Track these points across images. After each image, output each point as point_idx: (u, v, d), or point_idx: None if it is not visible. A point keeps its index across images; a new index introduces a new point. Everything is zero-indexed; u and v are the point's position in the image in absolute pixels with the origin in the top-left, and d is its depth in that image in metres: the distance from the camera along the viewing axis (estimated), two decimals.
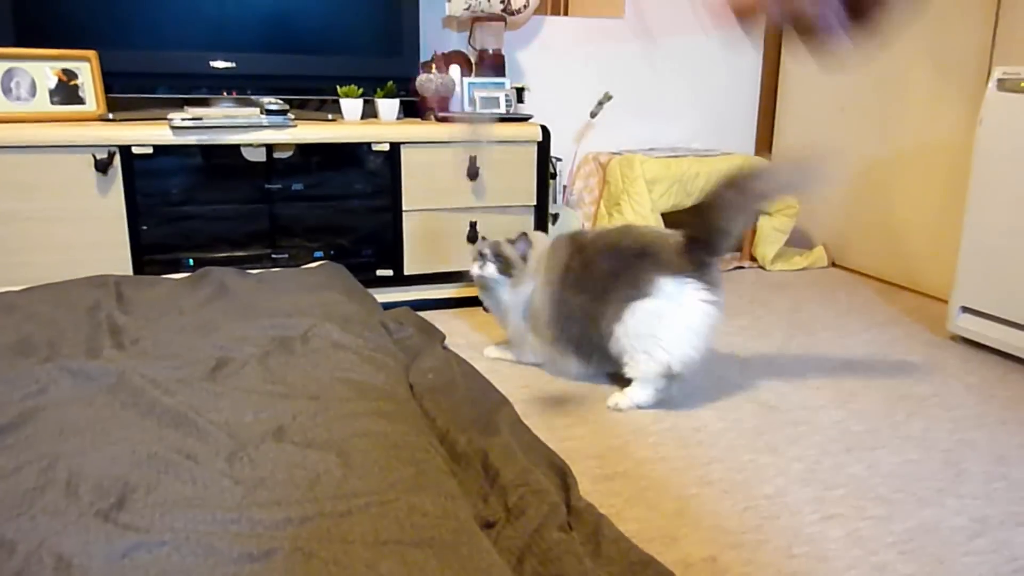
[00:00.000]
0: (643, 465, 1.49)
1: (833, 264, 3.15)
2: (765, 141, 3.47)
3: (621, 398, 1.74)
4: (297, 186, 2.30)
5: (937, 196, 2.68)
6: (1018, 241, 2.01)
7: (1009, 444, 1.60)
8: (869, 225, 2.98)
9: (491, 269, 1.85)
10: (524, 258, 1.86)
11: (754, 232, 3.07)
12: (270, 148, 2.24)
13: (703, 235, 1.60)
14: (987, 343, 2.13)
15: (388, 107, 2.41)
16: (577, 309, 1.73)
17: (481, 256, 1.87)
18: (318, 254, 2.34)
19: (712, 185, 1.57)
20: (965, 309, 2.18)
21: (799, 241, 3.27)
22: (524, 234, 1.88)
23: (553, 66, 3.06)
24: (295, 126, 2.21)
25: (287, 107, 2.23)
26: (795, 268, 3.06)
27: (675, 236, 1.66)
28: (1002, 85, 2.04)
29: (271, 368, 1.41)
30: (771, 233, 3.01)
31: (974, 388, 1.90)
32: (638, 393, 1.73)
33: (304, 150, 2.28)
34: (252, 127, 2.16)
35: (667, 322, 1.63)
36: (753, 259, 3.11)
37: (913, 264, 2.80)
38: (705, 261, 1.62)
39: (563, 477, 1.40)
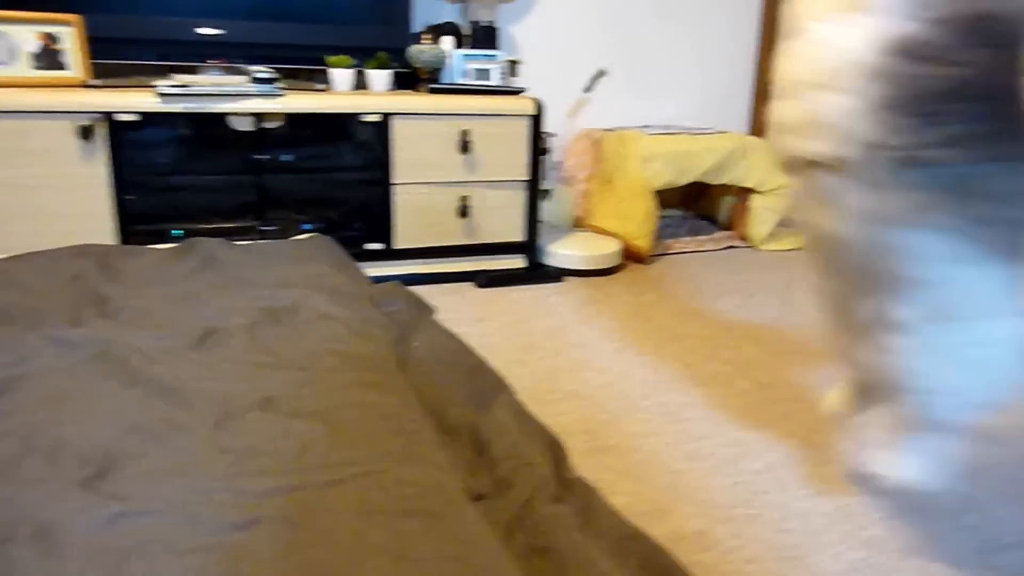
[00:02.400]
0: (634, 440, 1.49)
1: None
2: (759, 120, 3.45)
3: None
4: (286, 157, 2.27)
5: None
6: None
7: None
8: None
9: None
10: None
11: (746, 211, 3.05)
12: (259, 117, 2.20)
13: None
14: None
15: (380, 78, 2.37)
16: None
17: None
18: (307, 227, 2.31)
19: None
20: None
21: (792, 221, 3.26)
22: None
23: (547, 41, 3.02)
24: (284, 95, 2.17)
25: (276, 75, 2.19)
26: (787, 248, 3.05)
27: None
28: None
29: (258, 339, 1.39)
30: (763, 213, 3.00)
31: None
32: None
33: (293, 120, 2.24)
34: (240, 95, 2.12)
35: None
36: (744, 239, 3.10)
37: None
38: None
39: (555, 450, 1.39)
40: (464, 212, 2.39)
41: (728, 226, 3.23)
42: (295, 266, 1.80)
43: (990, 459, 1.45)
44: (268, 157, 2.25)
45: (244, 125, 2.20)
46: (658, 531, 1.20)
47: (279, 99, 2.16)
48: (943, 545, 1.18)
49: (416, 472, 1.00)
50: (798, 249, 3.06)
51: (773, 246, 3.04)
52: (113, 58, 2.33)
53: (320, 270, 1.78)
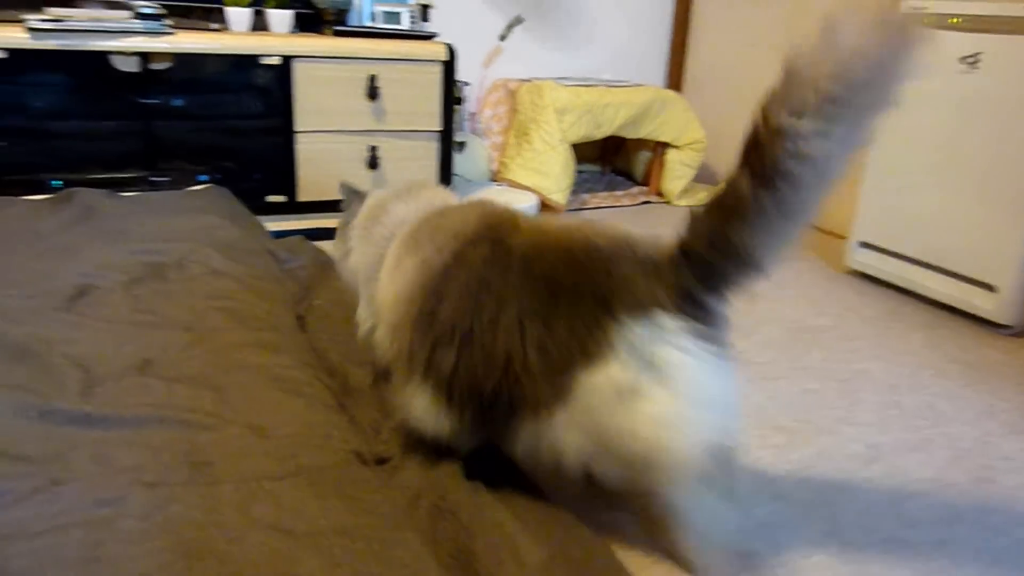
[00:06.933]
0: None
1: None
2: (676, 75, 3.42)
3: None
4: (177, 102, 2.10)
5: None
6: (916, 178, 2.03)
7: (901, 374, 1.64)
8: None
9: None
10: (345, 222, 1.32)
11: (662, 166, 3.04)
12: (144, 58, 2.02)
13: (708, 253, 0.84)
14: (883, 277, 2.18)
15: (280, 18, 2.21)
16: (459, 342, 0.93)
17: None
18: (202, 178, 2.16)
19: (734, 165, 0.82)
20: (863, 244, 2.22)
21: (706, 177, 3.27)
22: (350, 187, 1.36)
23: None
24: (172, 33, 1.99)
25: (163, 11, 2.01)
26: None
27: (655, 249, 0.90)
28: None
29: (140, 297, 1.27)
30: (679, 168, 2.99)
31: (870, 320, 1.93)
32: None
33: (185, 62, 2.07)
34: (122, 32, 1.94)
35: (641, 406, 0.84)
36: (660, 194, 3.09)
37: None
38: (703, 296, 0.86)
39: None
40: (373, 163, 2.28)
41: (644, 181, 3.22)
42: (185, 218, 1.67)
43: (892, 408, 1.48)
44: (157, 102, 2.07)
45: (129, 66, 2.02)
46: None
47: (167, 38, 1.99)
48: (849, 495, 1.19)
49: (312, 438, 0.93)
50: None
51: (688, 201, 3.04)
52: None
53: (212, 223, 1.65)
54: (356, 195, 1.29)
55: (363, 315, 1.19)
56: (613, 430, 0.85)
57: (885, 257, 2.16)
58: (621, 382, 0.84)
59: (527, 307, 0.89)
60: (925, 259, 2.04)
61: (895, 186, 2.09)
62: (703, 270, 0.85)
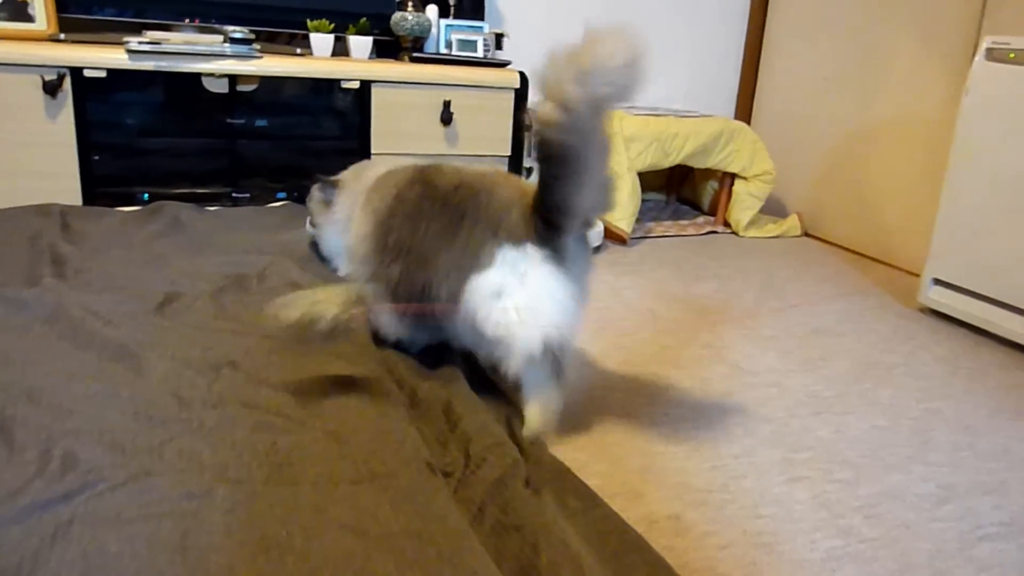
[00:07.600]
0: (609, 421, 1.45)
1: (806, 233, 3.12)
2: (746, 107, 3.42)
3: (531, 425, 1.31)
4: (261, 122, 2.19)
5: (914, 169, 2.66)
6: (995, 214, 1.99)
7: (976, 414, 1.59)
8: (844, 196, 2.95)
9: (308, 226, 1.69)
10: (328, 203, 1.60)
11: (729, 197, 3.03)
12: (233, 80, 2.12)
13: (543, 212, 1.19)
14: (957, 316, 2.12)
15: (360, 44, 2.30)
16: (403, 255, 1.32)
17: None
18: (281, 195, 2.24)
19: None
20: (937, 281, 2.17)
21: (773, 209, 3.24)
22: (326, 180, 1.63)
23: (534, 14, 2.96)
24: (260, 57, 2.09)
25: (252, 36, 2.11)
26: (768, 235, 3.03)
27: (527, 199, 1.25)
28: (991, 55, 1.99)
29: (224, 304, 1.34)
30: (746, 199, 2.97)
31: (942, 359, 1.88)
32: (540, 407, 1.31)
33: (269, 85, 2.17)
34: (214, 55, 2.04)
35: (516, 297, 1.20)
36: (727, 224, 3.08)
37: (886, 236, 2.78)
38: (550, 237, 1.20)
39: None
40: None
41: (711, 211, 3.20)
42: (265, 233, 1.74)
43: (965, 449, 1.43)
44: (243, 122, 2.17)
45: (218, 87, 2.12)
46: (631, 515, 1.16)
47: (255, 61, 2.09)
48: (919, 536, 1.16)
49: (386, 445, 0.96)
50: (779, 237, 3.04)
51: (755, 233, 3.01)
52: (87, 13, 2.24)
53: (291, 237, 1.72)
54: (331, 184, 1.62)
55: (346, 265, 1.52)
56: (485, 318, 1.19)
57: (959, 295, 2.11)
58: (496, 284, 1.19)
59: (440, 227, 1.26)
60: (1002, 298, 1.99)
61: (971, 223, 2.05)
62: (545, 221, 1.18)
